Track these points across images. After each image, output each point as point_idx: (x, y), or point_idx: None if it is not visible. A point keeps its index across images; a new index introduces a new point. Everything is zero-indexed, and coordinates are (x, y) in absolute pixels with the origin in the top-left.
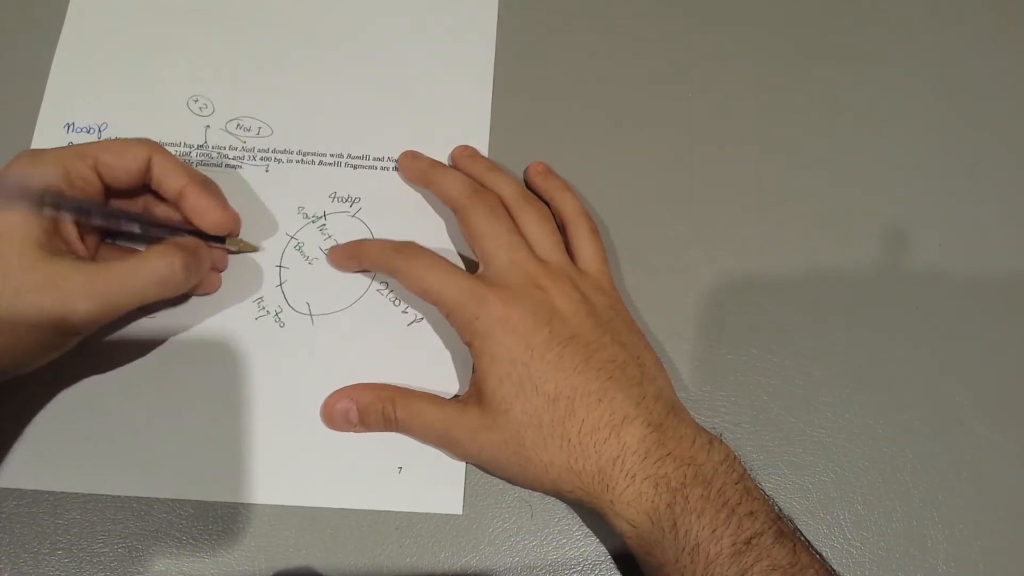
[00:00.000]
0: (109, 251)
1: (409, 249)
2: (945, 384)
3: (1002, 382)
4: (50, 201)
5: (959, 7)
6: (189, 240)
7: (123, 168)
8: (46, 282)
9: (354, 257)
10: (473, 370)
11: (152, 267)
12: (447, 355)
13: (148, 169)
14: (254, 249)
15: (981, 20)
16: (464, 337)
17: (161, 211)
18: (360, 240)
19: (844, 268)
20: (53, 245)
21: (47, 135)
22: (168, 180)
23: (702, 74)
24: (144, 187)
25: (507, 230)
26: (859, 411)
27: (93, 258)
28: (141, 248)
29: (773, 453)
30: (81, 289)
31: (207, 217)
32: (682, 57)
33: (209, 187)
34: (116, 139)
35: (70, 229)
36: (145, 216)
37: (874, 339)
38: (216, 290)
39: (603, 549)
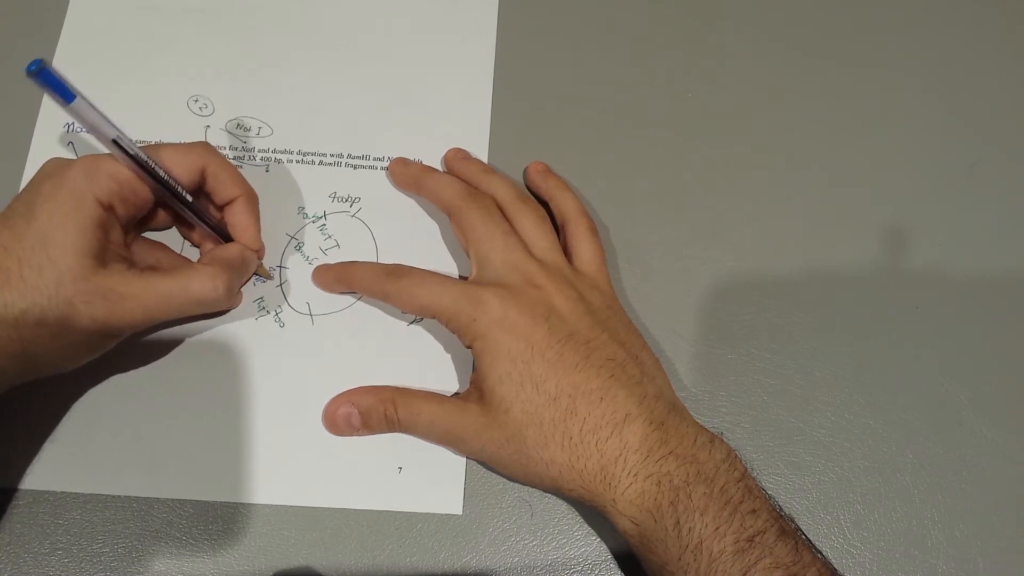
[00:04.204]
0: (142, 247)
1: (398, 272)
2: (945, 384)
3: (1002, 382)
4: (118, 143)
5: (959, 7)
6: (236, 253)
7: (179, 174)
8: (97, 293)
9: (343, 281)
10: (474, 369)
11: (198, 287)
12: (447, 355)
13: (203, 175)
14: (269, 277)
15: (981, 20)
16: (464, 341)
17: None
18: (348, 263)
19: (844, 268)
20: (103, 254)
21: (47, 135)
22: (221, 188)
23: (701, 74)
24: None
25: (502, 231)
26: (859, 411)
27: (129, 251)
28: (166, 246)
29: (773, 453)
30: (129, 302)
31: (245, 236)
32: (682, 57)
33: (255, 205)
34: (174, 144)
35: (118, 234)
36: (193, 200)
37: (874, 339)
38: (238, 306)
39: (603, 549)
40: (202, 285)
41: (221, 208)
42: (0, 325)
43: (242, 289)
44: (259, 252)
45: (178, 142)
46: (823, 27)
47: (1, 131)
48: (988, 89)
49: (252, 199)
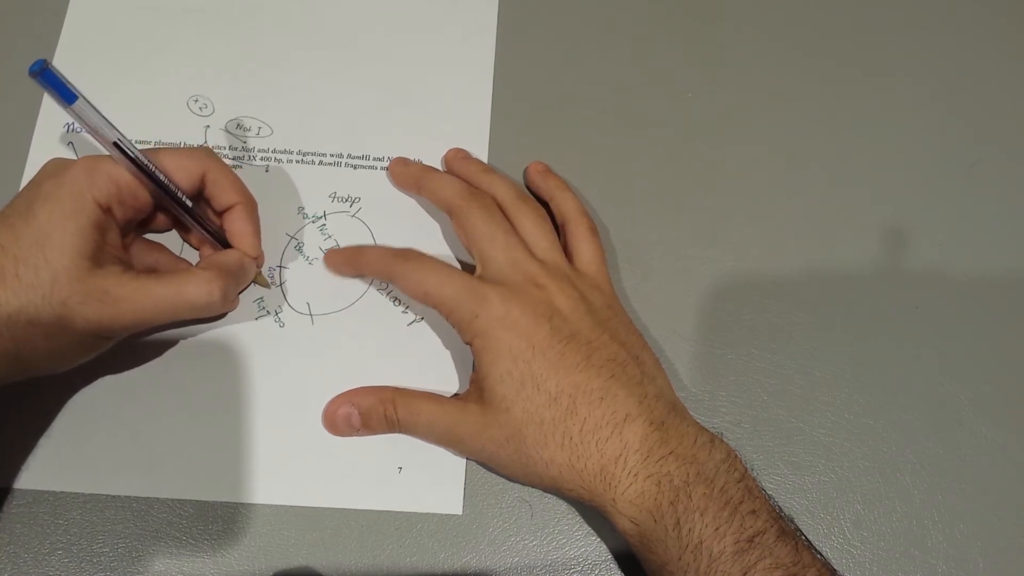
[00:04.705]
0: (140, 247)
1: (407, 255)
2: (945, 384)
3: (1002, 382)
4: (119, 145)
5: (959, 7)
6: (234, 260)
7: (179, 178)
8: (92, 294)
9: (352, 263)
10: (473, 368)
11: (193, 291)
12: (447, 355)
13: (203, 181)
14: (267, 286)
15: (981, 20)
16: (464, 337)
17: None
18: (358, 246)
19: (844, 268)
20: (100, 256)
21: (47, 135)
22: (221, 194)
23: (702, 74)
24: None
25: (503, 231)
26: (859, 411)
27: (127, 252)
28: (165, 247)
29: (773, 453)
30: (123, 305)
31: (243, 244)
32: (682, 57)
33: (255, 213)
34: (175, 149)
35: (115, 236)
36: (192, 207)
37: (874, 339)
38: (234, 309)
39: (603, 549)
40: (197, 290)
41: (221, 214)
42: None
43: (242, 292)
44: (258, 260)
45: (179, 146)
46: (823, 27)
47: (1, 131)
48: (988, 89)
49: (252, 206)
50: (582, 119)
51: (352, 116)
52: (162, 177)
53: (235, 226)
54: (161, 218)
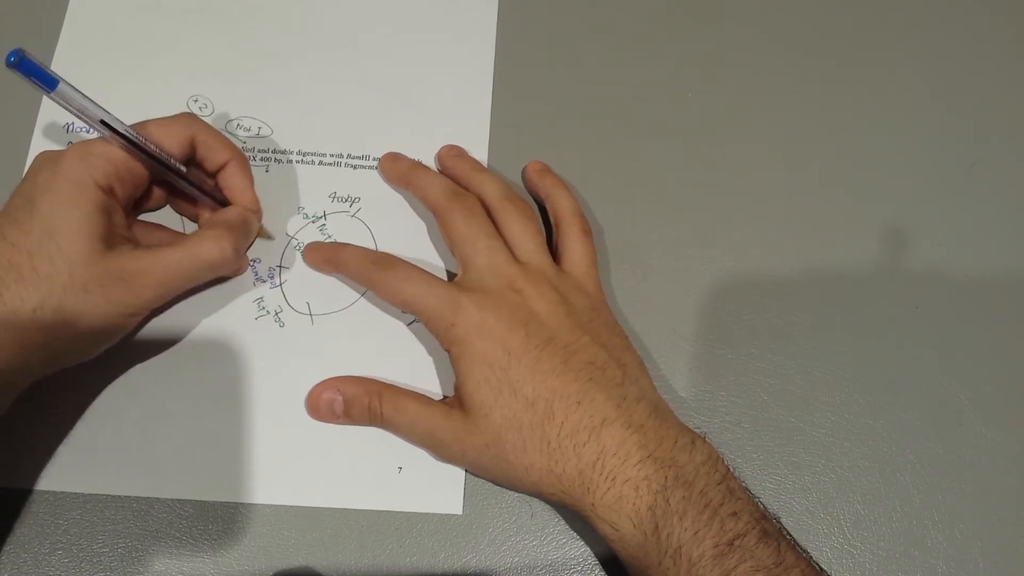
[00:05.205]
0: (141, 229)
1: (385, 261)
2: (945, 384)
3: (1002, 382)
4: (107, 123)
5: (959, 7)
6: (236, 215)
7: (169, 146)
8: (110, 275)
9: (331, 262)
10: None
11: (206, 251)
12: (446, 356)
13: (192, 145)
14: (270, 237)
15: (981, 20)
16: (443, 344)
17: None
18: (338, 245)
19: (844, 268)
20: (110, 237)
21: (47, 135)
22: (212, 155)
23: (701, 75)
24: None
25: (485, 234)
26: (859, 411)
27: (131, 232)
28: (166, 226)
29: (773, 453)
30: (142, 279)
31: (242, 198)
32: (681, 57)
33: (247, 167)
34: (160, 118)
35: (120, 217)
36: (187, 171)
37: (874, 339)
38: (243, 271)
39: (603, 549)
40: (208, 249)
41: (214, 176)
42: (19, 319)
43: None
44: (257, 213)
45: (163, 116)
46: (823, 27)
47: (1, 131)
48: (988, 89)
49: (243, 162)
50: (582, 119)
51: (352, 116)
52: (153, 148)
53: (230, 182)
54: (156, 194)
